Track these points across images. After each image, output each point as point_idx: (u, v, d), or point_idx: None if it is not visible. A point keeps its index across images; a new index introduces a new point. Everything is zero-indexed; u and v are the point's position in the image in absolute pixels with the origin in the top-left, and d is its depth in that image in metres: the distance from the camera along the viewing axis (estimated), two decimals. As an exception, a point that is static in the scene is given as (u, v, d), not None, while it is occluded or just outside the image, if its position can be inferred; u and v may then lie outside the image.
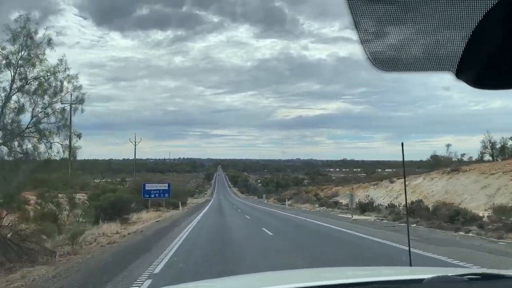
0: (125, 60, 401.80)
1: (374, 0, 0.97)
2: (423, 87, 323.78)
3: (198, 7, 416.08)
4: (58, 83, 13.08)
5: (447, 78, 1.11)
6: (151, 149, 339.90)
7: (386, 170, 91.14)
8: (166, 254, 12.64)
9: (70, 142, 13.81)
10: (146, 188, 40.77)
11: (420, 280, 1.68)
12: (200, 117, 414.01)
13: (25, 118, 12.83)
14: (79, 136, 14.89)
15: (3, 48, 12.30)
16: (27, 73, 12.59)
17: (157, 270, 10.03)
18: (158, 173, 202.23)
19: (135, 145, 67.73)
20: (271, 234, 18.84)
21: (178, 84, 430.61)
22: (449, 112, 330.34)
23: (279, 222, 27.11)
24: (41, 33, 12.91)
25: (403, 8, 0.97)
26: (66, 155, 14.13)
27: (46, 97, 12.94)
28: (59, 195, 22.78)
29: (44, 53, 12.76)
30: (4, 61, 12.28)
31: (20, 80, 12.48)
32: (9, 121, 12.36)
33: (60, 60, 13.24)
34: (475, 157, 45.31)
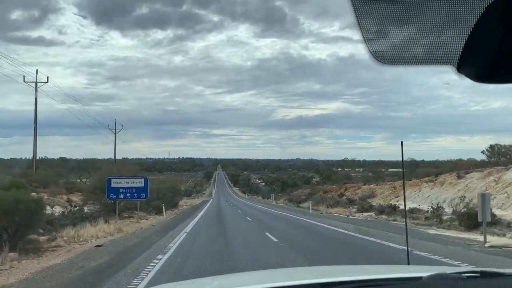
0: (125, 59, 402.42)
1: None
2: (423, 87, 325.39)
3: (198, 6, 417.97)
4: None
5: (448, 74, 0.90)
6: (151, 148, 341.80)
7: (389, 169, 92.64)
8: None
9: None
10: (112, 186, 27.93)
11: (419, 278, 1.66)
12: (200, 117, 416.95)
13: None
14: None
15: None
16: None
17: None
18: (155, 172, 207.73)
19: (115, 134, 55.03)
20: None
21: (178, 83, 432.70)
22: (449, 112, 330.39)
23: (336, 246, 14.21)
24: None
25: (404, 6, 0.99)
26: None
27: None
28: None
29: None
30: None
31: None
32: None
33: None
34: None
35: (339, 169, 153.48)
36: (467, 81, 1.13)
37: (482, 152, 42.82)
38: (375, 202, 37.95)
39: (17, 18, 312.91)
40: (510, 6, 0.96)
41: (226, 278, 2.72)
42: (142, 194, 28.64)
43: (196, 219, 30.96)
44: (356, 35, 1.05)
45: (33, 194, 18.16)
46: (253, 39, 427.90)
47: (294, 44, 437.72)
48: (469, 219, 16.92)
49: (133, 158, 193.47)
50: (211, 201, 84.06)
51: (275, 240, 15.75)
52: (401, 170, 48.77)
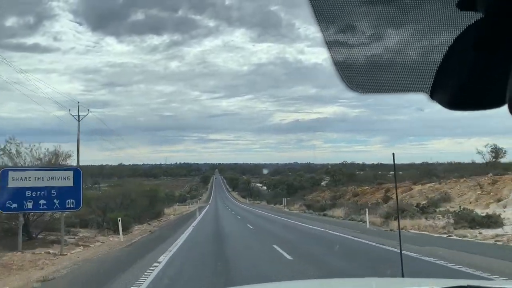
0: (121, 66, 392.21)
1: (346, 26, 1.00)
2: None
3: (193, 11, 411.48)
4: None
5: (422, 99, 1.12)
6: (147, 154, 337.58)
7: (390, 172, 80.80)
8: None
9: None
10: (11, 185, 14.39)
11: None
12: (197, 122, 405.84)
13: None
14: None
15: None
16: None
17: None
18: (151, 178, 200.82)
19: (78, 121, 41.38)
20: None
21: (174, 89, 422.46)
22: (445, 115, 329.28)
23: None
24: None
25: (373, 34, 1.00)
26: None
27: None
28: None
29: None
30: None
31: None
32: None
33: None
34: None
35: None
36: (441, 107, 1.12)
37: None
38: (455, 207, 24.35)
39: (12, 25, 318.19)
40: (480, 34, 0.96)
41: None
42: (69, 201, 14.99)
43: (178, 243, 17.35)
44: (329, 59, 1.04)
45: None
46: (249, 44, 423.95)
47: (290, 49, 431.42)
48: None
49: (129, 165, 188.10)
50: (207, 208, 70.44)
51: None
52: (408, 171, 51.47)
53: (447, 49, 1.02)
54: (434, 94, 1.12)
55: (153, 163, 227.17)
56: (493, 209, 22.50)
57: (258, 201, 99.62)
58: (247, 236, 20.66)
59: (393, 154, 2.96)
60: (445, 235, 17.51)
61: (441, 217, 21.97)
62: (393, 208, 27.78)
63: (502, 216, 19.52)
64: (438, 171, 47.16)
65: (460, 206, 22.28)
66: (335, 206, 40.21)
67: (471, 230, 17.59)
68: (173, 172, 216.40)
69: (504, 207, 22.37)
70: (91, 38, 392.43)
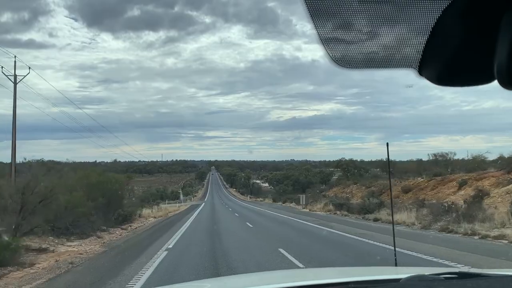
0: (117, 62, 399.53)
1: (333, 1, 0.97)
2: (414, 88, 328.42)
3: (190, 7, 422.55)
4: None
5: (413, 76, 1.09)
6: (144, 151, 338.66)
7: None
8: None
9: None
10: None
11: (398, 280, 1.67)
12: (193, 119, 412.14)
13: None
14: None
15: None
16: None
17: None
18: (145, 174, 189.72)
19: (14, 83, 28.44)
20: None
21: (171, 85, 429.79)
22: (441, 112, 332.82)
23: None
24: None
25: (362, 10, 0.98)
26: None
27: None
28: None
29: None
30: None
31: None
32: None
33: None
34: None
35: (338, 168, 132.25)
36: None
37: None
38: None
39: (6, 20, 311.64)
40: (469, 6, 0.94)
41: (219, 281, 2.91)
42: None
43: None
44: (315, 34, 1.01)
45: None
46: (246, 41, 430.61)
47: (287, 46, 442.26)
48: None
49: (125, 161, 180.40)
50: (202, 206, 57.70)
51: None
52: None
53: (434, 23, 0.98)
54: (423, 70, 1.08)
55: (150, 160, 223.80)
56: None
57: (261, 199, 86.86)
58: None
59: (387, 144, 2.89)
60: None
61: None
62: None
63: None
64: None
65: None
66: (382, 206, 27.63)
67: None
68: (168, 168, 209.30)
69: None
70: (87, 34, 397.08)
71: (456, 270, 1.75)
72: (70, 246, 15.02)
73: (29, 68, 29.68)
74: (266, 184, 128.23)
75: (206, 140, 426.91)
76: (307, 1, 0.94)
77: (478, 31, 0.96)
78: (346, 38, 1.03)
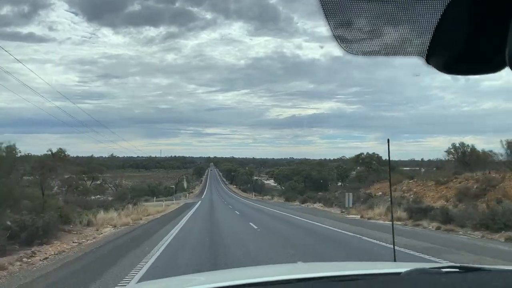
0: (117, 57, 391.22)
1: None
2: (415, 88, 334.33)
3: (191, 3, 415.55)
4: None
5: (420, 65, 1.09)
6: (143, 147, 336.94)
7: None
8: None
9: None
10: None
11: (398, 273, 1.66)
12: (193, 115, 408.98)
13: None
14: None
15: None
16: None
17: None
18: (142, 169, 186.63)
19: None
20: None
21: (171, 81, 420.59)
22: (441, 112, 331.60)
23: None
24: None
25: None
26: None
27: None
28: None
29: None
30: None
31: None
32: None
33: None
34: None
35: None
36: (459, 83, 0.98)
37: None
38: None
39: (6, 13, 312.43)
40: None
41: (214, 275, 2.74)
42: None
43: None
44: (323, 20, 1.01)
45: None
46: (246, 38, 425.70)
47: (288, 43, 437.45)
48: None
49: (123, 157, 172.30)
50: (198, 205, 45.08)
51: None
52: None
53: (443, 11, 0.97)
54: (430, 58, 1.07)
55: (148, 156, 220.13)
56: None
57: (269, 197, 74.21)
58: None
59: (388, 140, 2.88)
60: None
61: None
62: None
63: None
64: None
65: None
66: None
67: None
68: (166, 164, 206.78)
69: None
70: (87, 29, 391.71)
71: (457, 264, 1.71)
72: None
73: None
74: (271, 181, 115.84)
75: (205, 136, 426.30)
76: None
77: (489, 16, 0.93)
78: (356, 25, 1.02)
